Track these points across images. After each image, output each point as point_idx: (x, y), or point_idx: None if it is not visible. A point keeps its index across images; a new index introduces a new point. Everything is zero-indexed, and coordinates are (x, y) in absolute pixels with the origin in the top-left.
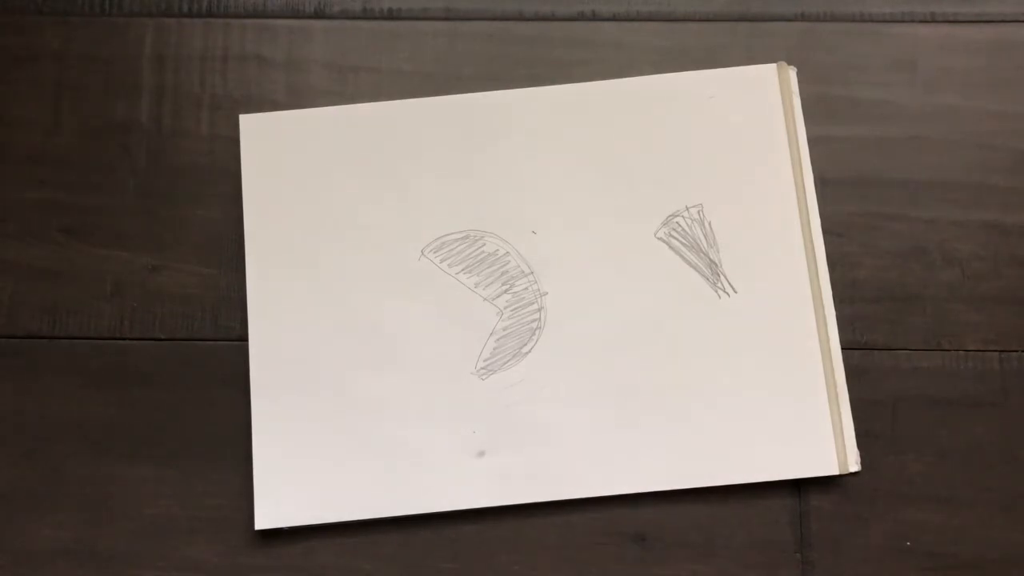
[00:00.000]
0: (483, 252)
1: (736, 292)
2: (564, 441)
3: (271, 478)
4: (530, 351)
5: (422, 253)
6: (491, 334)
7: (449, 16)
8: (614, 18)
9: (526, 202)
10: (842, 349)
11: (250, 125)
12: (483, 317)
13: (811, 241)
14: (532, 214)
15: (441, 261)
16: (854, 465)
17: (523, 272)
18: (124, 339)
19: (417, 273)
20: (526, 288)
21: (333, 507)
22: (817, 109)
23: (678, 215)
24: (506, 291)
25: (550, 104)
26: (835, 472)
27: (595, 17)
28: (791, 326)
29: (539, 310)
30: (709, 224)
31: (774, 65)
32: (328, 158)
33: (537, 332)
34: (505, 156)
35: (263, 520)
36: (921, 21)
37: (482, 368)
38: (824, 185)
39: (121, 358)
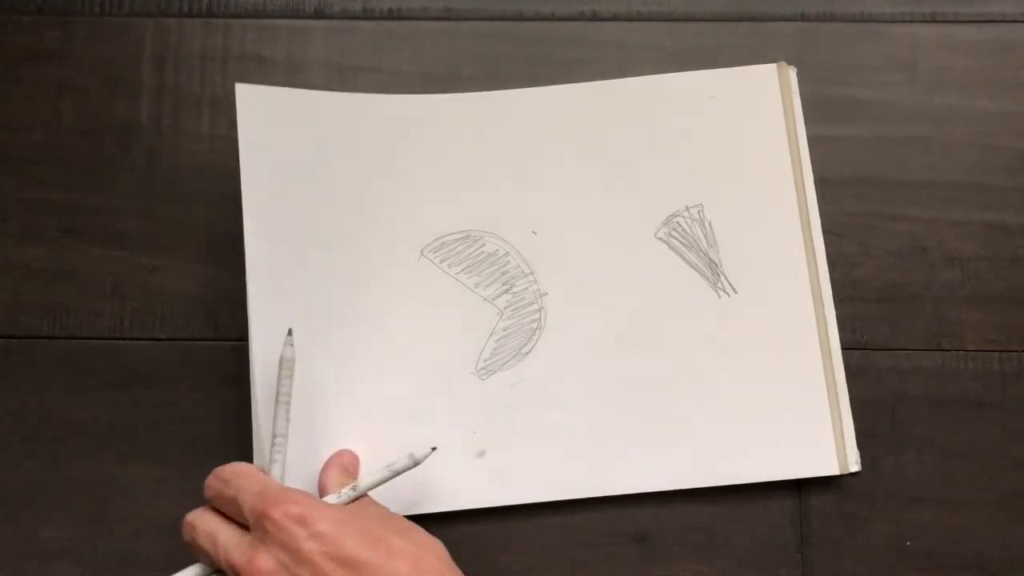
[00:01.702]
0: (483, 252)
1: (736, 292)
2: (564, 441)
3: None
4: (530, 351)
5: (422, 253)
6: (491, 334)
7: (449, 16)
8: (614, 18)
9: (526, 202)
10: (842, 349)
11: (246, 97)
12: (483, 317)
13: (811, 241)
14: (532, 214)
15: (441, 261)
16: (854, 465)
17: (523, 272)
18: (124, 339)
19: (417, 273)
20: (526, 288)
21: None
22: (817, 109)
23: (678, 215)
24: (506, 291)
25: (550, 104)
26: (835, 472)
27: (595, 17)
28: (791, 326)
29: (539, 310)
30: (709, 224)
31: (774, 65)
32: (328, 158)
33: (537, 332)
34: (505, 156)
35: None
36: (921, 21)
37: (482, 368)
38: (824, 185)
39: (121, 358)
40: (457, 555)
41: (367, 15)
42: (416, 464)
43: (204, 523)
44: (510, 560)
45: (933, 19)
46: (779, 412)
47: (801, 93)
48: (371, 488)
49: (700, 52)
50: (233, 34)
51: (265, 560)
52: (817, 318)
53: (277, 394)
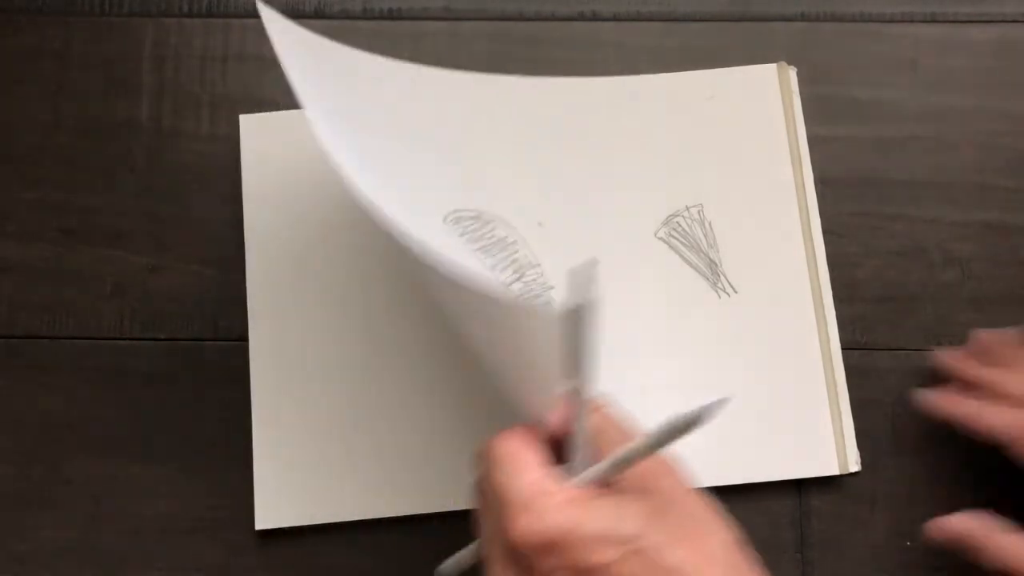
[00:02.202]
0: (495, 235)
1: (736, 292)
2: None
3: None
4: None
5: (444, 219)
6: None
7: (449, 16)
8: (614, 18)
9: (530, 192)
10: (842, 349)
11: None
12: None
13: (811, 241)
14: (536, 205)
15: (460, 234)
16: (854, 465)
17: (531, 263)
18: (124, 339)
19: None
20: (535, 279)
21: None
22: (817, 109)
23: (678, 215)
24: (518, 279)
25: (552, 94)
26: (835, 472)
27: (595, 17)
28: (791, 326)
29: (546, 304)
30: (709, 224)
31: (774, 65)
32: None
33: None
34: (506, 142)
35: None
36: (921, 21)
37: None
38: (824, 185)
39: (121, 358)
40: None
41: (367, 15)
42: (681, 429)
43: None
44: None
45: (933, 19)
46: (779, 412)
47: (801, 93)
48: (631, 462)
49: (700, 52)
50: (233, 34)
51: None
52: (817, 318)
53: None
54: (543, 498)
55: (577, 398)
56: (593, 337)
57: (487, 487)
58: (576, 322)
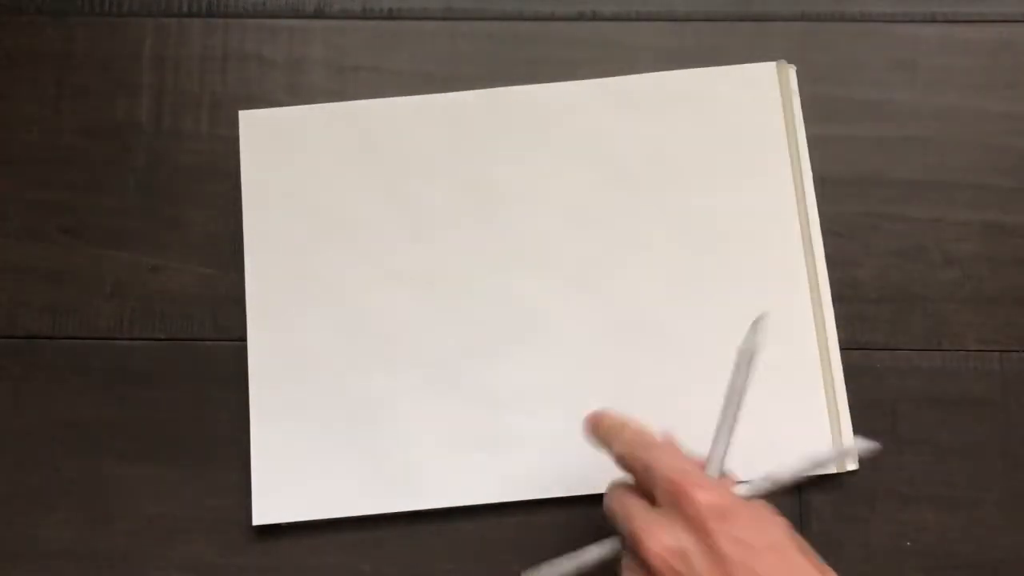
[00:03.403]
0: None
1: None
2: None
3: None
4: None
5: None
6: None
7: (449, 16)
8: (614, 18)
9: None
10: (842, 349)
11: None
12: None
13: (810, 241)
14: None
15: None
16: (851, 464)
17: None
18: (124, 339)
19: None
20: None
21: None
22: (817, 109)
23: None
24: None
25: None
26: (832, 471)
27: (595, 17)
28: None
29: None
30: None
31: (773, 64)
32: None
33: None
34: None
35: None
36: (921, 21)
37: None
38: (824, 185)
39: (121, 358)
40: (457, 554)
41: (367, 15)
42: (844, 457)
43: (619, 491)
44: (510, 559)
45: (933, 19)
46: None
47: (801, 93)
48: (790, 483)
49: (700, 52)
50: (233, 34)
51: (667, 536)
52: (815, 317)
53: (731, 383)
54: (710, 478)
55: (731, 416)
56: (752, 373)
57: (656, 464)
58: (745, 361)
